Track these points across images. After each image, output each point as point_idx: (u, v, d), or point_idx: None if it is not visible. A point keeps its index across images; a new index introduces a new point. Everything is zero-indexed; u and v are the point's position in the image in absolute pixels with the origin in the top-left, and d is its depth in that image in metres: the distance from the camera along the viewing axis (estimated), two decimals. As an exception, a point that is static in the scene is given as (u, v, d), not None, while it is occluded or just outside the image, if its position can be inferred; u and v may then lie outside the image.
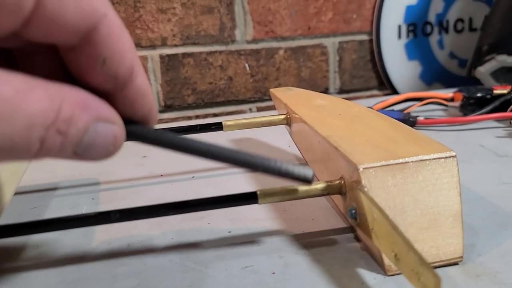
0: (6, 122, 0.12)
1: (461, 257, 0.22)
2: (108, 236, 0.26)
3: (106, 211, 0.22)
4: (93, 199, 0.32)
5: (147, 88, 0.16)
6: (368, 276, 0.21)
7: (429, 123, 0.43)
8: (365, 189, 0.22)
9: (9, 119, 0.12)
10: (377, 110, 0.46)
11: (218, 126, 0.34)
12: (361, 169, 0.22)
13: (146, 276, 0.22)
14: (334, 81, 0.64)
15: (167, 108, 0.59)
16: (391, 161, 0.22)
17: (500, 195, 0.28)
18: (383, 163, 0.22)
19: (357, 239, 0.24)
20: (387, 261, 0.21)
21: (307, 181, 0.19)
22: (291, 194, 0.24)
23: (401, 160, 0.22)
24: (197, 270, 0.22)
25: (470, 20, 0.66)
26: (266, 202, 0.23)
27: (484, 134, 0.40)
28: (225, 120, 0.34)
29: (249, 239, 0.25)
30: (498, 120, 0.43)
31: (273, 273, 0.22)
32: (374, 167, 0.22)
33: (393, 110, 0.46)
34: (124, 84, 0.15)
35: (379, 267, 0.22)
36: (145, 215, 0.23)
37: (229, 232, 0.26)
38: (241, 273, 0.22)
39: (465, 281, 0.20)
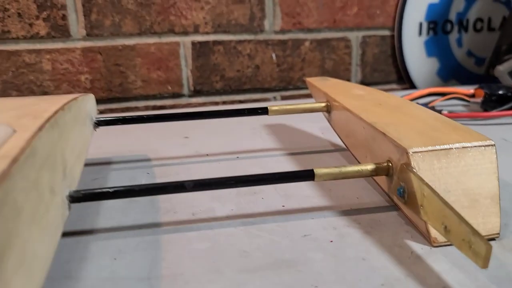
0: None
1: (498, 233, 0.24)
2: (172, 206, 0.29)
3: (181, 181, 0.24)
4: (148, 173, 0.35)
5: None
6: (415, 246, 0.24)
7: (453, 117, 0.45)
8: (415, 171, 0.24)
9: None
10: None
11: (264, 111, 0.36)
12: (411, 153, 0.24)
13: (217, 239, 0.25)
14: (356, 74, 0.67)
15: (196, 93, 0.61)
16: (437, 147, 0.25)
17: (527, 183, 0.31)
18: (430, 148, 0.25)
19: (401, 215, 0.27)
20: (433, 233, 0.24)
21: None
22: (344, 173, 0.26)
23: (445, 146, 0.25)
24: (262, 236, 0.25)
25: (489, 20, 0.68)
26: (321, 180, 0.26)
27: (506, 129, 0.43)
28: (270, 105, 0.37)
29: (303, 213, 0.28)
30: (518, 116, 0.46)
31: (331, 241, 0.24)
32: (422, 151, 0.25)
33: (417, 103, 0.49)
34: None
35: (425, 239, 0.24)
36: (216, 186, 0.25)
37: (282, 206, 0.29)
38: (302, 240, 0.24)
39: (503, 253, 0.23)
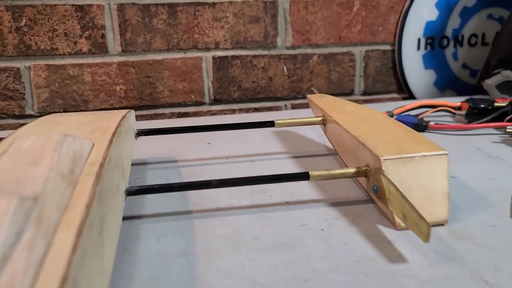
0: None
1: (446, 220, 0.32)
2: (200, 200, 0.37)
3: (208, 179, 0.32)
4: (179, 174, 0.43)
5: None
6: (384, 229, 0.32)
7: (439, 128, 0.52)
8: (385, 173, 0.32)
9: None
10: (396, 114, 0.56)
11: (271, 124, 0.44)
12: (382, 160, 0.32)
13: (236, 227, 0.32)
14: (359, 84, 0.74)
15: (215, 101, 0.69)
16: (403, 155, 0.32)
17: (487, 187, 0.38)
18: (397, 156, 0.32)
19: (376, 207, 0.35)
20: (397, 220, 0.32)
21: None
22: (332, 175, 0.34)
23: (409, 155, 0.32)
24: (269, 225, 0.33)
25: (483, 35, 0.75)
26: (315, 180, 0.34)
27: (482, 139, 0.50)
28: (276, 119, 0.45)
29: (302, 208, 0.35)
30: (496, 128, 0.53)
31: (322, 229, 0.32)
32: (391, 158, 0.32)
33: (409, 115, 0.56)
34: None
35: (391, 224, 0.32)
36: (234, 184, 0.33)
37: (287, 202, 0.36)
38: (300, 229, 0.32)
39: (448, 236, 0.31)
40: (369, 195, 0.36)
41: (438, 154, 0.32)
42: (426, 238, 0.26)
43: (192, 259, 0.29)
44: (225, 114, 0.69)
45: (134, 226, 0.33)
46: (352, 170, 0.34)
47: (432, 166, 0.32)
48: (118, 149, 0.31)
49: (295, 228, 0.32)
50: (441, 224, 0.32)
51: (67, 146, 0.25)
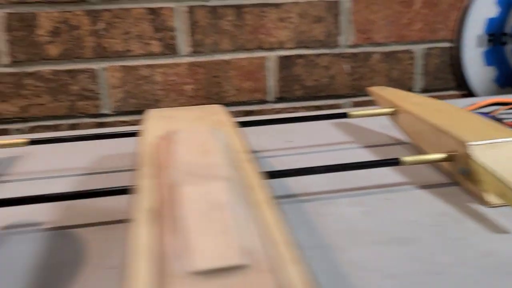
0: None
1: None
2: (307, 197, 0.38)
3: (314, 166, 0.36)
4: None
5: None
6: (476, 206, 0.34)
7: (514, 125, 0.53)
8: (475, 158, 0.34)
9: None
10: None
11: (344, 115, 0.46)
12: (472, 145, 0.35)
13: (348, 222, 0.34)
14: (418, 82, 0.74)
15: (280, 99, 0.71)
16: (488, 141, 0.35)
17: None
18: (483, 142, 0.35)
19: (462, 189, 0.37)
20: (487, 198, 0.34)
21: None
22: (423, 160, 0.37)
23: (494, 140, 0.35)
24: (378, 221, 0.34)
25: (543, 31, 0.74)
26: (406, 164, 0.37)
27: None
28: (349, 111, 0.46)
29: (407, 205, 0.37)
30: None
31: (433, 225, 0.33)
32: (478, 144, 0.35)
33: (481, 112, 0.56)
34: None
35: (480, 202, 0.35)
36: (337, 170, 0.37)
37: (386, 199, 0.38)
38: (411, 224, 0.34)
39: None
40: (453, 179, 0.39)
41: None
42: None
43: (317, 253, 0.30)
44: (288, 112, 0.71)
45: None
46: (440, 155, 0.37)
47: None
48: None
49: (406, 223, 0.34)
50: None
51: (219, 137, 0.27)
